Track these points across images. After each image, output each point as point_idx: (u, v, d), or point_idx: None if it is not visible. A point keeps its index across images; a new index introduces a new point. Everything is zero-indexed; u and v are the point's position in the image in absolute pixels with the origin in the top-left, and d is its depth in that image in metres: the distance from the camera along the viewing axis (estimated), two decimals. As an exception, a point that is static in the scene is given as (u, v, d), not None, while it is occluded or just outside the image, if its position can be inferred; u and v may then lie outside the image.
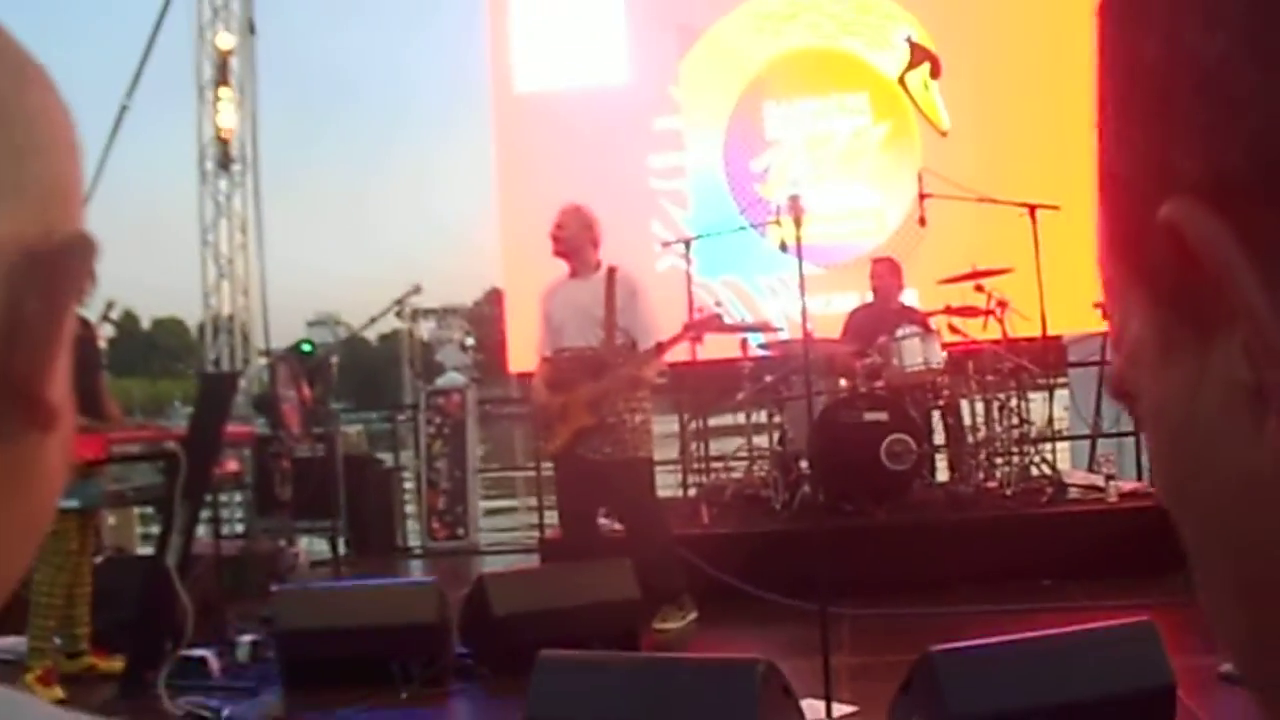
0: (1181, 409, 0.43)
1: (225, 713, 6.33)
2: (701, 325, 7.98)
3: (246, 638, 7.37)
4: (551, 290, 7.88)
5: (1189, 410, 0.43)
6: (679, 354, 8.88)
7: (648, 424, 7.83)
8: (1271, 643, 0.45)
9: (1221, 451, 0.42)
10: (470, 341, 13.86)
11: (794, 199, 6.11)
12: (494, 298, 16.28)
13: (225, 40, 14.40)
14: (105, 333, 8.01)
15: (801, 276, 6.12)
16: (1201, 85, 0.39)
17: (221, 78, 14.45)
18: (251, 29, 14.57)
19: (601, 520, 8.18)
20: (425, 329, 14.82)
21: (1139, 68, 0.43)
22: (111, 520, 10.40)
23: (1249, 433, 0.40)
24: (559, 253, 7.76)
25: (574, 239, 7.72)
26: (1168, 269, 0.41)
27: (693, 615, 7.72)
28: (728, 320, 8.69)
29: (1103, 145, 0.46)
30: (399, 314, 13.27)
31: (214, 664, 6.94)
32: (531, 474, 12.33)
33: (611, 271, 7.67)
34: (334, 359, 12.19)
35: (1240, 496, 0.42)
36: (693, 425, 11.59)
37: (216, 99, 14.36)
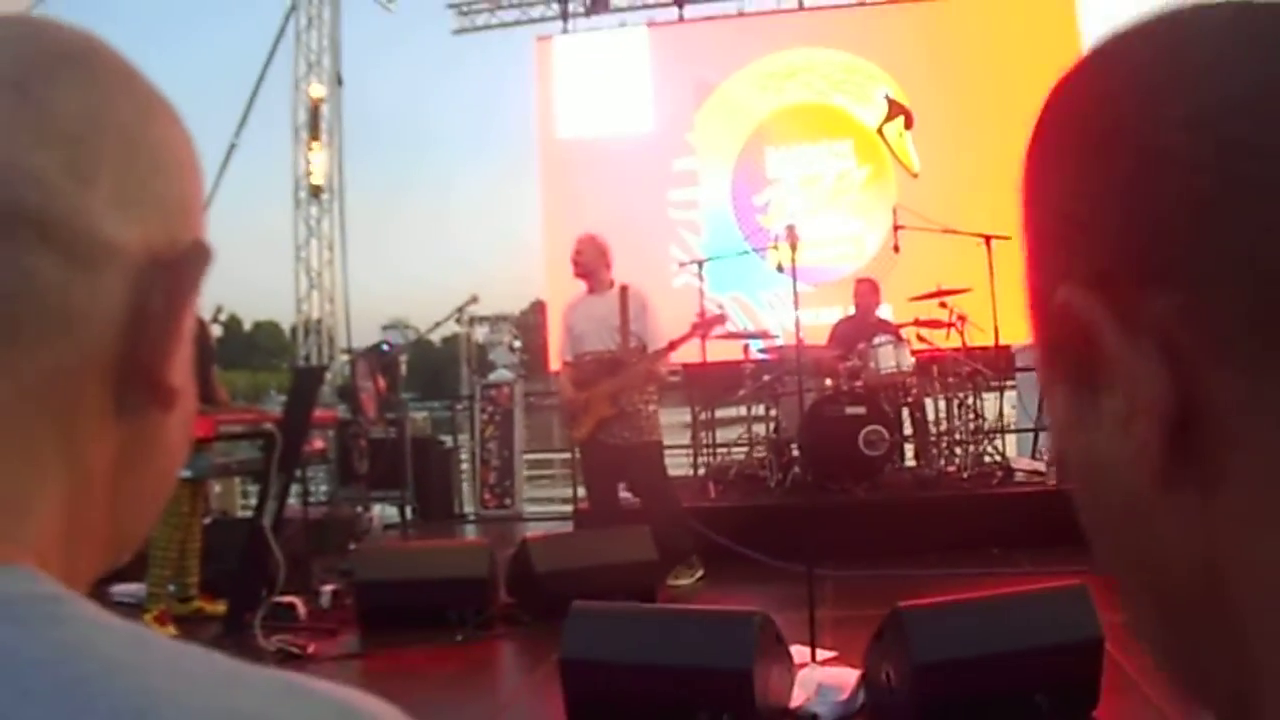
0: (1087, 453, 0.50)
1: (310, 649, 6.34)
2: (707, 324, 7.98)
3: (329, 587, 7.37)
4: (572, 305, 7.90)
5: (1091, 451, 0.49)
6: (692, 356, 8.87)
7: (657, 413, 7.85)
8: (1177, 641, 0.49)
9: (1112, 476, 0.48)
10: (518, 344, 13.84)
11: (790, 228, 6.11)
12: (538, 308, 16.30)
13: (317, 90, 14.47)
14: (215, 331, 8.04)
15: (795, 293, 6.12)
16: (1085, 220, 0.48)
17: (313, 121, 14.52)
18: (339, 81, 14.63)
19: (623, 495, 8.16)
20: (480, 333, 14.83)
21: (1042, 221, 0.52)
22: (218, 489, 10.42)
23: (1129, 454, 0.46)
24: (579, 274, 7.79)
25: (590, 263, 7.75)
26: (1068, 348, 0.48)
27: (700, 574, 7.71)
28: (731, 324, 8.65)
29: (1029, 277, 0.53)
30: (459, 320, 13.28)
31: (301, 609, 6.94)
32: (567, 455, 12.36)
33: (624, 289, 7.68)
34: (403, 357, 12.20)
35: (1126, 510, 0.48)
36: (702, 416, 11.58)
37: (311, 140, 14.45)
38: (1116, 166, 0.47)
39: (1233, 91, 0.45)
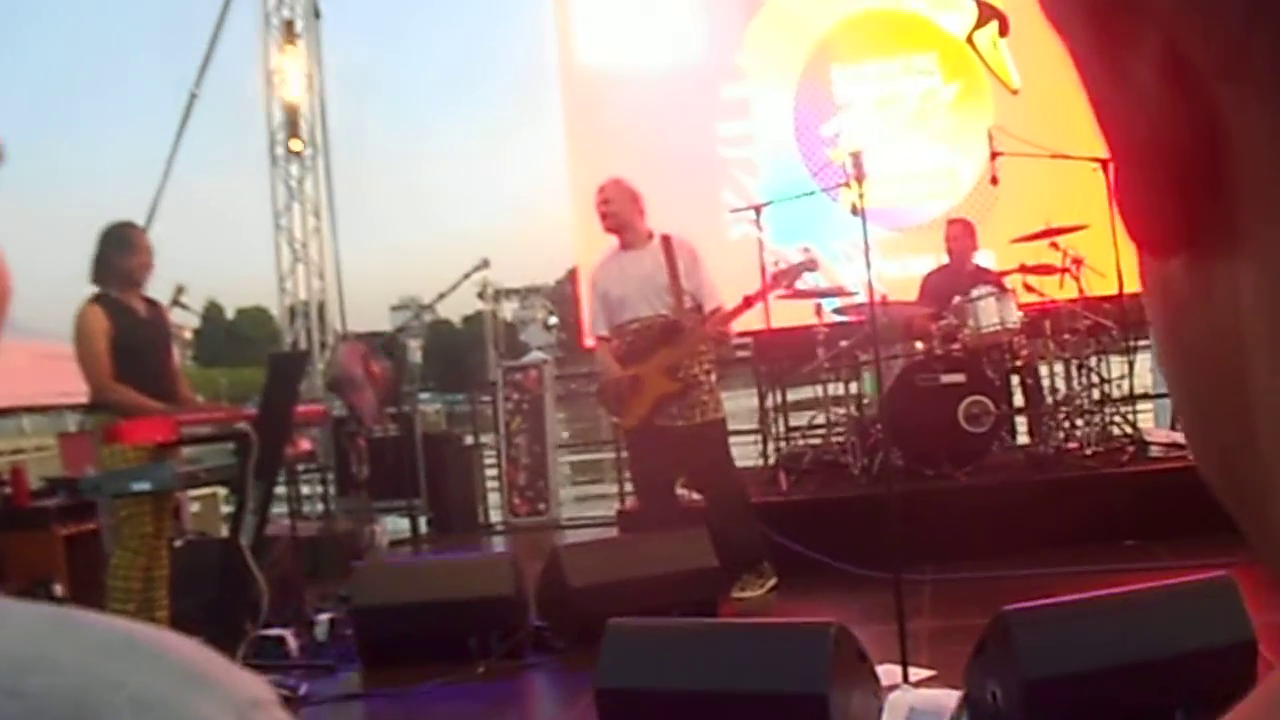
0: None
1: (303, 691, 6.35)
2: (791, 272, 7.88)
3: (324, 616, 7.39)
4: (603, 266, 7.82)
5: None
6: (754, 322, 8.83)
7: (716, 384, 7.80)
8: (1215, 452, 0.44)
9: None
10: (553, 320, 13.86)
11: (856, 156, 6.01)
12: (573, 276, 16.34)
13: (291, 28, 14.45)
14: (189, 321, 8.03)
15: (866, 240, 6.03)
16: None
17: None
18: (317, 13, 14.60)
19: (679, 491, 8.14)
20: (508, 309, 14.86)
21: None
22: (195, 506, 10.45)
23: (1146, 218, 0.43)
24: (610, 228, 7.73)
25: (622, 213, 7.69)
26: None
27: (772, 583, 7.67)
28: (808, 274, 8.47)
29: None
30: (482, 295, 13.26)
31: (292, 643, 6.98)
32: (614, 454, 12.38)
33: (666, 239, 7.63)
34: (415, 341, 12.22)
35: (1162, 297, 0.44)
36: (772, 397, 11.56)
37: (282, 83, 14.41)
38: None
39: None
